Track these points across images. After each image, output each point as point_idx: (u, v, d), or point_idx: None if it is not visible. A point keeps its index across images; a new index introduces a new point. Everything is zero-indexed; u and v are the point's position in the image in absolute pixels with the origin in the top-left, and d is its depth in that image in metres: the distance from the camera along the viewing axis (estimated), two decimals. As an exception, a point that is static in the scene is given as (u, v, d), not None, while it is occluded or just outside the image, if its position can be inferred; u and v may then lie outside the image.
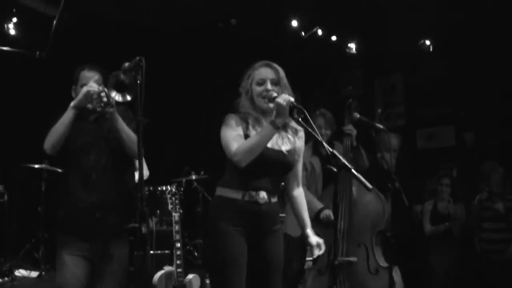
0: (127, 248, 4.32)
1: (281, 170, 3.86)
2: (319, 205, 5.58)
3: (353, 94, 5.66)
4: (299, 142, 3.91)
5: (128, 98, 3.88)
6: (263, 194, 3.71)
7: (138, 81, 3.40)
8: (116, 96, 3.87)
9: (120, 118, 4.09)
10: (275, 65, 3.82)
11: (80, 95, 4.00)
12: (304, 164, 5.70)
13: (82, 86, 4.11)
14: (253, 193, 3.69)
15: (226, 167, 3.82)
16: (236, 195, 3.68)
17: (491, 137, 8.27)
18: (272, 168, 3.71)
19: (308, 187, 5.76)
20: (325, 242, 5.52)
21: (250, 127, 3.71)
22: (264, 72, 3.78)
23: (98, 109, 4.02)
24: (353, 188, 5.56)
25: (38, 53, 7.54)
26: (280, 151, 3.75)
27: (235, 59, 4.01)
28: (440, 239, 7.47)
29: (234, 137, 3.64)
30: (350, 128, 5.62)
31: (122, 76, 3.81)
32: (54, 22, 7.47)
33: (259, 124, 3.74)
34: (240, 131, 3.68)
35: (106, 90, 3.93)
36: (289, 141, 3.82)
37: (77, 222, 4.08)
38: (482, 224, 7.15)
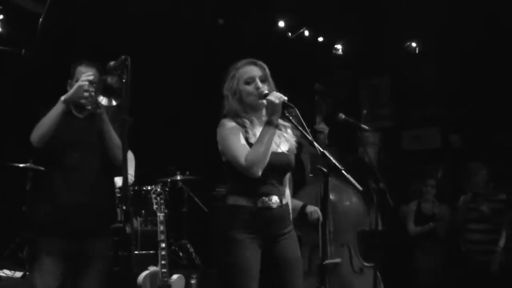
0: (109, 250, 4.33)
1: (286, 171, 3.83)
2: (299, 202, 5.53)
3: (320, 92, 5.60)
4: (292, 138, 3.86)
5: (114, 103, 3.87)
6: (275, 199, 3.68)
7: (124, 80, 3.38)
8: (103, 101, 3.85)
9: (107, 120, 4.09)
10: (260, 62, 3.79)
11: (71, 90, 4.02)
12: None
13: (77, 81, 4.10)
14: (266, 199, 3.65)
15: (231, 174, 3.71)
16: (250, 202, 3.63)
17: (476, 138, 8.31)
18: (278, 171, 3.68)
19: None
20: (307, 245, 5.53)
21: (249, 131, 3.65)
22: (251, 70, 3.73)
23: (88, 107, 4.03)
24: (334, 190, 5.53)
25: (23, 50, 7.50)
26: (282, 153, 3.73)
27: (220, 59, 3.98)
28: (425, 239, 7.51)
29: (241, 147, 3.56)
30: (322, 127, 5.59)
31: (109, 80, 3.80)
32: (40, 19, 7.43)
33: (253, 126, 3.69)
34: (242, 137, 3.61)
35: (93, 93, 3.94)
36: (286, 140, 3.80)
37: (59, 222, 4.05)
38: (467, 225, 7.16)
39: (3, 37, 7.93)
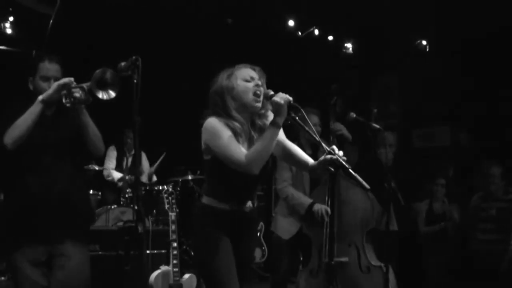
0: (86, 254, 4.19)
1: (262, 177, 3.82)
2: (308, 200, 5.57)
3: (337, 92, 5.61)
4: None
5: (113, 94, 3.86)
6: (249, 203, 3.74)
7: (135, 80, 3.39)
8: (102, 95, 3.84)
9: (86, 112, 4.01)
10: (259, 68, 3.76)
11: (51, 90, 3.90)
12: (290, 165, 5.60)
13: (41, 78, 4.03)
14: (241, 204, 3.71)
15: (209, 175, 3.78)
16: (224, 206, 3.65)
17: (486, 137, 8.28)
18: (255, 177, 3.64)
19: (295, 188, 5.73)
20: (316, 244, 5.54)
21: (238, 133, 3.61)
22: (250, 71, 3.70)
23: (68, 105, 3.92)
24: (341, 188, 5.53)
25: (34, 52, 7.53)
26: None
27: (231, 58, 3.97)
28: (434, 239, 7.47)
29: (236, 146, 3.53)
30: (337, 126, 5.58)
31: (108, 74, 3.81)
32: (51, 21, 7.47)
33: (242, 129, 3.64)
34: (233, 137, 3.57)
35: (84, 86, 3.86)
36: None
37: (34, 223, 3.95)
38: (478, 225, 7.13)
39: (14, 38, 7.98)
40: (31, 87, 4.11)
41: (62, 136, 4.07)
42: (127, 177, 8.03)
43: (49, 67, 4.06)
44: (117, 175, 8.21)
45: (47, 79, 4.02)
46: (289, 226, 5.76)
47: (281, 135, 3.83)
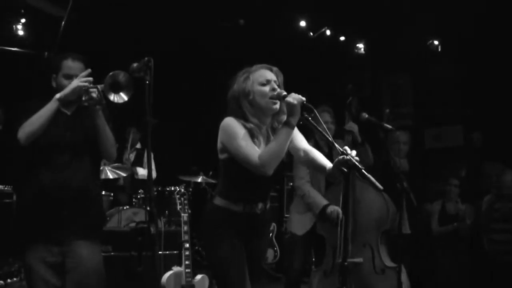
0: (100, 254, 4.18)
1: (276, 178, 3.84)
2: (324, 201, 5.56)
3: (352, 93, 5.63)
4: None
5: (125, 98, 3.86)
6: (261, 205, 3.74)
7: (147, 81, 3.39)
8: (114, 98, 3.84)
9: (103, 116, 3.98)
10: (276, 68, 3.74)
11: (68, 89, 3.89)
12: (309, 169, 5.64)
13: (64, 76, 4.01)
14: (253, 205, 3.70)
15: (223, 175, 3.77)
16: (236, 207, 3.66)
17: (499, 137, 8.25)
18: (268, 178, 3.63)
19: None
20: (330, 243, 5.53)
21: (255, 135, 3.60)
22: (267, 73, 3.67)
23: (85, 104, 3.91)
24: (356, 188, 5.53)
25: (46, 53, 7.55)
26: None
27: (243, 59, 3.96)
28: (448, 239, 7.45)
29: (251, 146, 3.53)
30: (350, 126, 5.60)
31: (121, 76, 3.80)
32: (63, 22, 7.49)
33: (260, 131, 3.65)
34: (249, 138, 3.57)
35: (98, 88, 3.84)
36: None
37: (47, 221, 3.94)
38: (492, 225, 7.11)
39: (26, 40, 8.01)
40: (54, 84, 4.08)
41: (79, 136, 4.05)
42: None
43: (72, 65, 4.04)
44: None
45: (69, 77, 4.00)
46: (304, 223, 5.75)
47: (302, 140, 3.84)
